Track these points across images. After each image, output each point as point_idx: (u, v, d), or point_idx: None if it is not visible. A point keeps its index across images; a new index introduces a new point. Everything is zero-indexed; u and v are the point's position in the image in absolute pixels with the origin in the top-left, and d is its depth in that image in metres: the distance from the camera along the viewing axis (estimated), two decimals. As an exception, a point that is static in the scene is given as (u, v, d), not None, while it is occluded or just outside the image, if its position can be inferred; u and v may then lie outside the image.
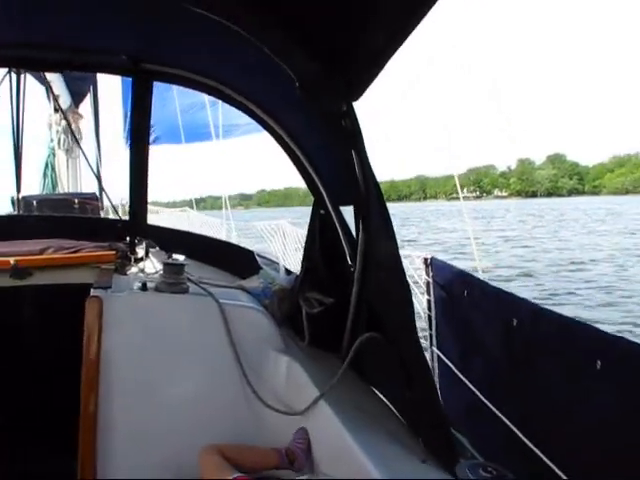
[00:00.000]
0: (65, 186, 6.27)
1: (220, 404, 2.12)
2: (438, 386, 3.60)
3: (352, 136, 1.68)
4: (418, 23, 1.25)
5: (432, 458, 1.51)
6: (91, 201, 5.49)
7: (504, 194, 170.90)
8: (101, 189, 4.99)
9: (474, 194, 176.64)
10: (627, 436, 1.71)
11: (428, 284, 3.70)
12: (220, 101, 2.68)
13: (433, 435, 1.59)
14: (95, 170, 5.13)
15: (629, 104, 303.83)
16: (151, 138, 9.87)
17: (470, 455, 1.57)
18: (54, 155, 6.07)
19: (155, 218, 11.30)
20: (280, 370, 2.11)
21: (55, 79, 5.38)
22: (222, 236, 9.22)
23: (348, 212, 2.11)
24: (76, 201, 5.46)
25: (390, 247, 1.71)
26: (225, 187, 10.57)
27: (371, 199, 1.72)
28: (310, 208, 2.42)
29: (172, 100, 9.25)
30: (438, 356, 3.52)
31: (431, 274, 3.66)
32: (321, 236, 2.35)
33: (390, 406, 1.89)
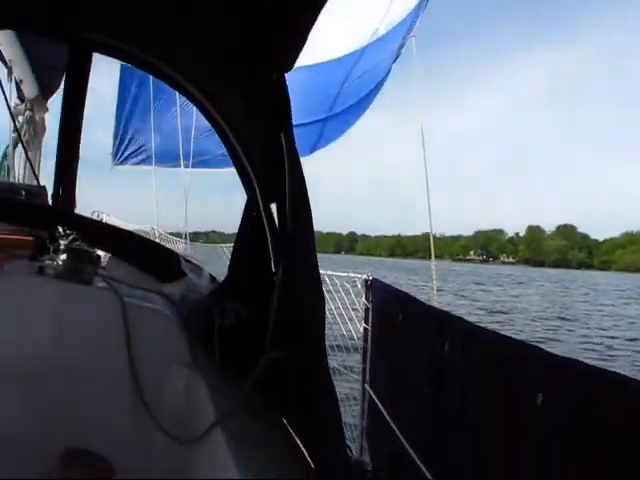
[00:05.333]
0: (20, 178, 5.99)
1: (104, 411, 1.85)
2: (367, 426, 3.28)
3: (281, 114, 1.56)
4: None
5: None
6: (38, 194, 5.15)
7: (511, 260, 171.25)
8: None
9: (481, 257, 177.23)
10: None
11: (367, 310, 3.23)
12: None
13: (331, 474, 1.49)
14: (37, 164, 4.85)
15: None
16: (139, 158, 9.50)
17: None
18: (14, 146, 5.81)
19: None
20: (180, 387, 1.90)
21: (19, 63, 5.10)
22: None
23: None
24: (23, 192, 5.12)
25: (309, 255, 1.60)
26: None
27: (296, 197, 1.58)
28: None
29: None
30: (369, 394, 3.02)
31: (370, 298, 3.20)
32: (250, 240, 2.09)
33: (293, 436, 1.68)
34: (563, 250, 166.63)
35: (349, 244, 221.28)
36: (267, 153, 1.86)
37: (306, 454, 1.60)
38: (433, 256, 5.74)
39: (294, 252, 1.66)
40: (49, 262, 2.19)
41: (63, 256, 2.35)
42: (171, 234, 12.06)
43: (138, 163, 10.61)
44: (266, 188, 1.96)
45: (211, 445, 1.61)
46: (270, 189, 1.92)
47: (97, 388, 1.85)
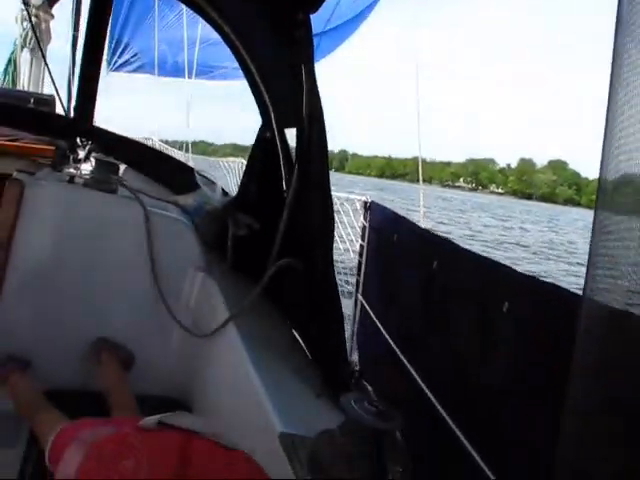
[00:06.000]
0: (25, 85, 5.99)
1: (127, 308, 2.07)
2: (357, 334, 3.57)
3: (304, 50, 1.66)
4: None
5: (327, 393, 1.53)
6: (47, 102, 5.21)
7: (500, 191, 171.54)
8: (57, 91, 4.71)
9: (470, 185, 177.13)
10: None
11: (364, 229, 3.56)
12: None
13: (331, 370, 1.62)
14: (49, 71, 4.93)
15: None
16: (134, 65, 9.34)
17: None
18: (20, 52, 5.78)
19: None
20: (195, 289, 2.09)
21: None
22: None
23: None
24: (31, 100, 5.18)
25: (322, 177, 1.69)
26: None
27: (313, 123, 1.66)
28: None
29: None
30: (361, 303, 3.40)
31: (368, 218, 3.51)
32: (263, 160, 2.23)
33: (297, 337, 1.90)
34: (552, 185, 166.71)
35: (339, 162, 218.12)
36: (286, 81, 1.93)
37: (307, 352, 1.79)
38: (421, 186, 5.62)
39: (306, 174, 1.77)
40: (72, 171, 2.27)
41: (86, 165, 2.51)
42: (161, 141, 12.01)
43: (133, 71, 10.40)
44: (281, 113, 2.06)
45: (224, 339, 1.80)
46: (286, 114, 2.02)
47: (122, 288, 2.04)
